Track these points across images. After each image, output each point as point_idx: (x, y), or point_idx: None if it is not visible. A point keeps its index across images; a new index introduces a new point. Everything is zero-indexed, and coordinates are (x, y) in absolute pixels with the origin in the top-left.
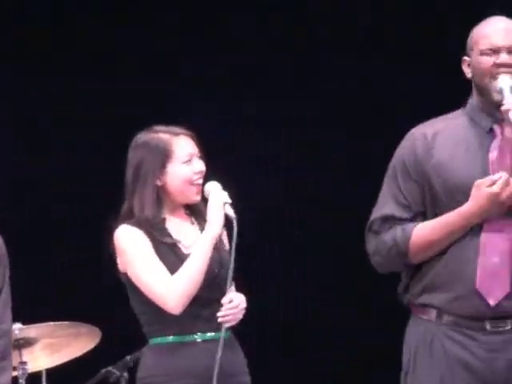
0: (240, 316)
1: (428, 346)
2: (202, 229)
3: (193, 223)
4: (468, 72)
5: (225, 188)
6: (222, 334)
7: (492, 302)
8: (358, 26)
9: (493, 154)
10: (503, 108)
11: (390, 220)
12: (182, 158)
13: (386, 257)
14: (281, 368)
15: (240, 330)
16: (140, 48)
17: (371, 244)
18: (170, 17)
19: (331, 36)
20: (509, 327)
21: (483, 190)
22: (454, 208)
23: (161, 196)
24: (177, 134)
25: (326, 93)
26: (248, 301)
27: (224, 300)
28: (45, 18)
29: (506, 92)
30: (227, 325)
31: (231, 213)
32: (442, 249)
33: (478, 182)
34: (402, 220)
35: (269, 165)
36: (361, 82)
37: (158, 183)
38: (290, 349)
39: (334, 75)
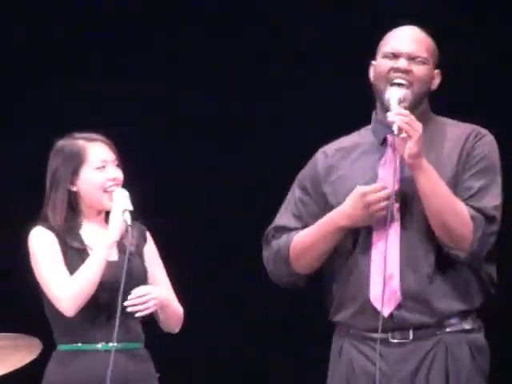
0: (150, 305)
1: (337, 356)
2: None
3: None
4: (371, 76)
5: None
6: (114, 344)
7: (385, 314)
8: None
9: (381, 164)
10: (388, 119)
11: (282, 230)
12: (95, 164)
13: (273, 264)
14: None
15: None
16: None
17: (264, 253)
18: None
19: None
20: (411, 338)
21: (358, 196)
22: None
23: (77, 201)
24: (92, 140)
25: None
26: None
27: (135, 290)
28: None
29: (393, 103)
30: (138, 314)
31: (128, 220)
32: (320, 255)
33: (360, 187)
34: (293, 230)
35: None
36: None
37: (73, 188)
38: None
39: None
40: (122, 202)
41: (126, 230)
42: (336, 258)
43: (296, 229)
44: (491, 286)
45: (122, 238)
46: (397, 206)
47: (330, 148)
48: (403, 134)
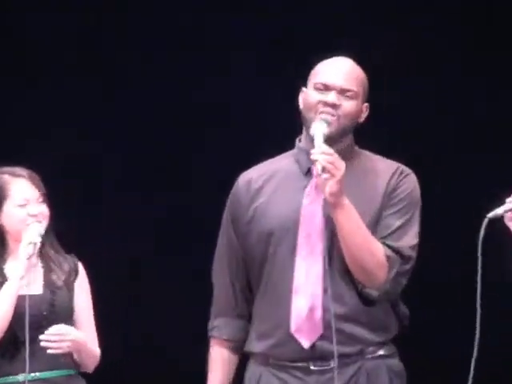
0: (63, 346)
1: (257, 382)
2: (46, 268)
3: (35, 264)
4: (300, 103)
5: None
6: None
7: (306, 345)
8: None
9: (307, 198)
10: (312, 157)
11: None
12: (17, 201)
13: None
14: None
15: None
16: None
17: None
18: None
19: None
20: (332, 365)
21: None
22: (265, 253)
23: (4, 235)
24: (17, 176)
25: None
26: None
27: (54, 327)
28: None
29: (318, 139)
30: (50, 351)
31: (29, 253)
32: None
33: None
34: None
35: None
36: None
37: None
38: None
39: None
40: (29, 236)
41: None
42: (255, 289)
43: None
44: (406, 318)
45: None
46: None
47: (252, 176)
48: (325, 174)
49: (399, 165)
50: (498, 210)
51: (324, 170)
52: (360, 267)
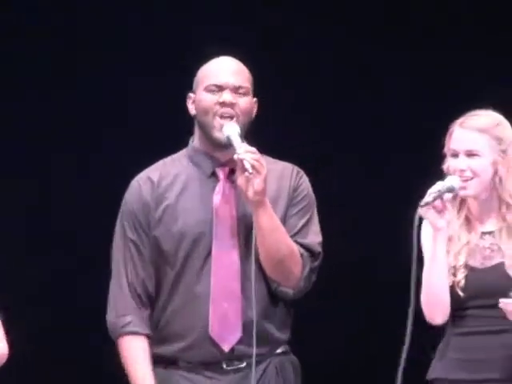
0: None
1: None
2: None
3: None
4: (192, 109)
5: None
6: None
7: (226, 349)
8: None
9: (217, 200)
10: (237, 157)
11: None
12: None
13: None
14: None
15: None
16: None
17: None
18: None
19: None
20: (244, 364)
21: None
22: (177, 256)
23: None
24: None
25: None
26: None
27: None
28: None
29: (235, 140)
30: None
31: None
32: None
33: None
34: None
35: None
36: None
37: None
38: None
39: None
40: None
41: None
42: (162, 291)
43: None
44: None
45: None
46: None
47: (152, 176)
48: (254, 173)
49: (293, 165)
50: (428, 199)
51: (253, 167)
52: (279, 266)
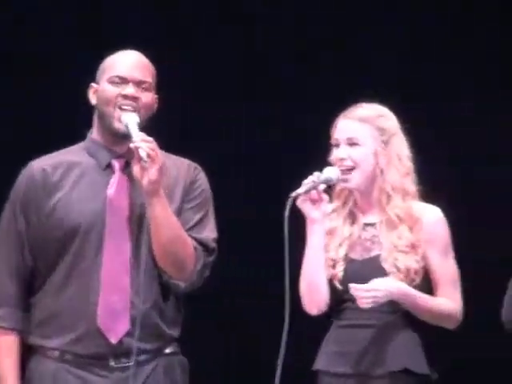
0: None
1: (52, 380)
2: None
3: None
4: (93, 98)
5: None
6: None
7: (114, 341)
8: None
9: (110, 192)
10: (132, 145)
11: None
12: None
13: None
14: None
15: None
16: None
17: None
18: None
19: None
20: (132, 363)
21: None
22: (69, 247)
23: None
24: None
25: None
26: None
27: None
28: None
29: (133, 129)
30: None
31: None
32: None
33: None
34: None
35: None
36: None
37: None
38: None
39: None
40: None
41: None
42: (58, 281)
43: None
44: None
45: None
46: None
47: (46, 165)
48: (146, 162)
49: (189, 161)
50: (300, 190)
51: (148, 156)
52: (171, 258)
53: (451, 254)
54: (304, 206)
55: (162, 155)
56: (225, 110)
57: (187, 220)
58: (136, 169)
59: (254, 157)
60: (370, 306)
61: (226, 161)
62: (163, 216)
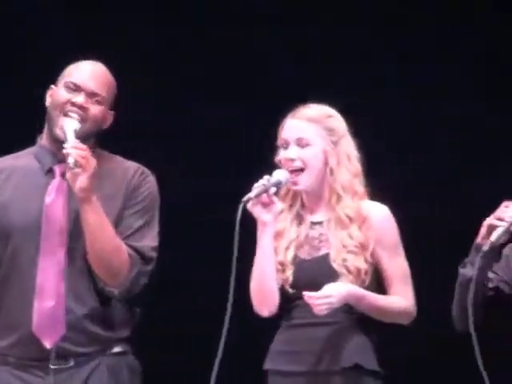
0: None
1: None
2: None
3: None
4: (48, 100)
5: None
6: None
7: (49, 345)
8: None
9: (49, 197)
10: (64, 151)
11: None
12: None
13: None
14: None
15: None
16: None
17: None
18: None
19: None
20: (72, 364)
21: None
22: (6, 252)
23: None
24: None
25: None
26: None
27: None
28: None
29: (69, 135)
30: None
31: None
32: None
33: None
34: None
35: None
36: None
37: None
38: None
39: None
40: None
41: None
42: None
43: None
44: (137, 316)
45: None
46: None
47: None
48: (78, 169)
49: (140, 165)
50: (251, 194)
51: (77, 163)
52: (104, 264)
53: (401, 251)
54: (255, 209)
55: (94, 161)
56: (225, 110)
57: (127, 227)
58: (69, 175)
59: (254, 157)
60: (325, 312)
61: (226, 161)
62: (96, 223)
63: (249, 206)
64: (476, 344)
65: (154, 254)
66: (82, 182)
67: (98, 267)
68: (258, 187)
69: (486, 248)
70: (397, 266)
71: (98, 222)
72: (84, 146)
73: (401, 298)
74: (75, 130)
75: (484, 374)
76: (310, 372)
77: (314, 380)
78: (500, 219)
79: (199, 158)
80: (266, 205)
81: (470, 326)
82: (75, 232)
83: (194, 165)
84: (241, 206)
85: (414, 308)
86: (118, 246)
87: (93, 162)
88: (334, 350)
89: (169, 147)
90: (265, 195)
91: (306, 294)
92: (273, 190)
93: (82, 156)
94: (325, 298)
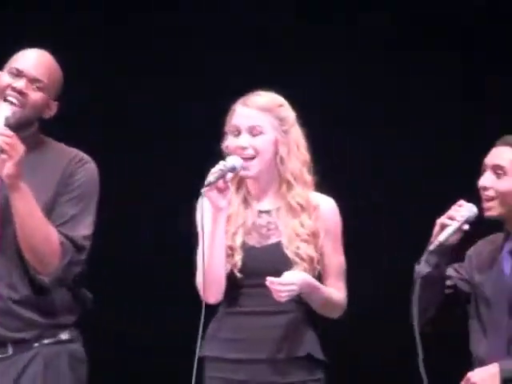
0: None
1: None
2: None
3: None
4: None
5: None
6: None
7: None
8: None
9: None
10: None
11: None
12: None
13: None
14: None
15: None
16: None
17: None
18: None
19: None
20: (10, 352)
21: None
22: None
23: None
24: None
25: None
26: None
27: None
28: None
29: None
30: None
31: None
32: None
33: None
34: None
35: None
36: None
37: None
38: None
39: None
40: None
41: None
42: None
43: None
44: (89, 302)
45: None
46: None
47: None
48: (3, 155)
49: (78, 152)
50: (211, 179)
51: (2, 151)
52: (34, 252)
53: (341, 244)
54: (211, 194)
55: (21, 150)
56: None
57: (60, 214)
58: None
59: None
60: (285, 299)
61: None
62: (25, 210)
63: (204, 190)
64: (418, 338)
65: (86, 243)
66: (8, 168)
67: (28, 255)
68: (215, 172)
69: (431, 247)
70: (337, 259)
71: (27, 209)
72: (10, 133)
73: (336, 291)
74: (7, 117)
75: (422, 370)
76: (262, 360)
77: (267, 367)
78: (451, 218)
79: None
80: (221, 190)
81: (414, 320)
82: (6, 219)
83: None
84: (203, 192)
85: (345, 302)
86: (49, 233)
87: (20, 148)
88: (288, 339)
89: None
90: (221, 180)
91: (269, 279)
92: (229, 175)
93: (7, 142)
94: (288, 285)
